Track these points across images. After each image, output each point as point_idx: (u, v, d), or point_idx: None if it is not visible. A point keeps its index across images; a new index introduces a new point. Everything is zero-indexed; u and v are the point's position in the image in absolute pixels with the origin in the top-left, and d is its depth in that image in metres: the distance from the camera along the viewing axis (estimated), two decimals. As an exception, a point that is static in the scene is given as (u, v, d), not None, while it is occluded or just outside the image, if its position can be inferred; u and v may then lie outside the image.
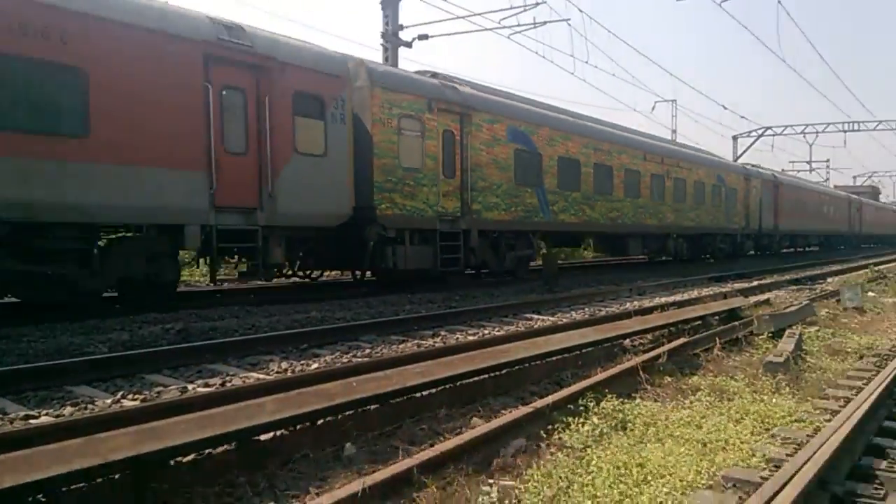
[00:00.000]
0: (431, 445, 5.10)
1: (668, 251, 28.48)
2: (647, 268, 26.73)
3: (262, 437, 5.11)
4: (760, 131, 45.42)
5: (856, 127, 44.53)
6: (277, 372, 7.95)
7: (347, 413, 5.61)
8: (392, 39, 24.36)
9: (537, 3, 23.18)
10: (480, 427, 5.43)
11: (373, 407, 5.82)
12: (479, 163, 17.39)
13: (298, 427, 5.35)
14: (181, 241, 11.72)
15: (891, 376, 7.11)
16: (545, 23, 23.74)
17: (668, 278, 20.28)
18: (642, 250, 27.12)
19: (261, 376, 7.58)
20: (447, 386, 6.53)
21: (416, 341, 9.96)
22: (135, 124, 10.76)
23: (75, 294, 10.86)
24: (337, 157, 13.87)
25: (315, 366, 8.21)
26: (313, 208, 13.50)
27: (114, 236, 12.21)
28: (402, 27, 24.69)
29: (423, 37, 25.21)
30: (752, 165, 37.60)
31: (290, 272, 15.69)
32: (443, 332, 10.73)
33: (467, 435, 5.19)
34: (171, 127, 11.21)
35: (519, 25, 23.92)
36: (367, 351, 9.17)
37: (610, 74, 47.05)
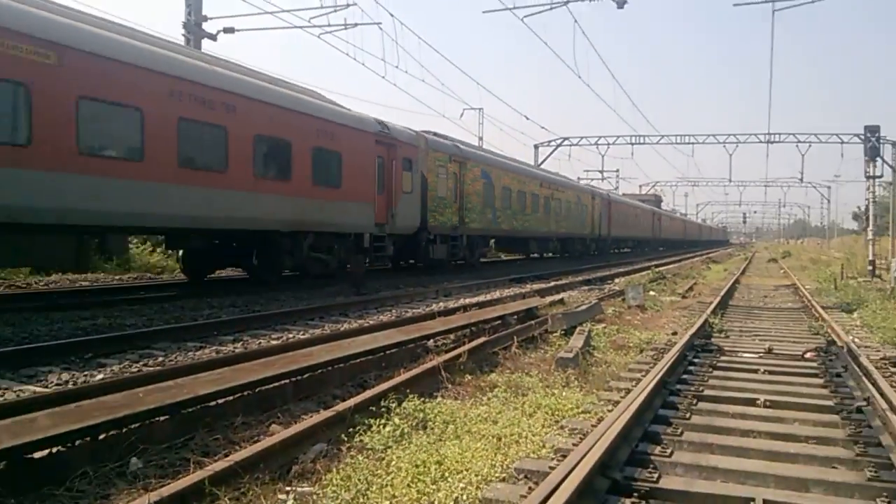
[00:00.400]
0: (226, 455, 4.88)
1: (550, 250, 39.02)
2: (530, 262, 36.29)
3: (36, 455, 4.65)
4: (559, 141, 48.09)
5: (642, 140, 48.33)
6: (57, 384, 7.31)
7: (133, 426, 5.24)
8: (195, 30, 23.33)
9: (348, 5, 23.12)
10: (279, 434, 5.28)
11: (162, 418, 5.48)
12: (468, 192, 26.02)
13: (78, 443, 4.91)
14: (362, 242, 19.55)
15: (665, 368, 7.76)
16: (356, 25, 23.72)
17: (542, 271, 25.89)
18: (537, 249, 36.91)
19: (38, 389, 6.94)
20: (245, 393, 6.29)
21: (215, 347, 9.55)
22: (354, 178, 18.91)
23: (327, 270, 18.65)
24: (416, 193, 22.30)
25: (100, 376, 7.64)
26: (407, 223, 21.78)
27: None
28: (206, 18, 23.72)
29: (230, 30, 24.42)
30: (592, 186, 48.31)
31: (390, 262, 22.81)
32: (245, 337, 10.38)
33: (264, 443, 5.02)
34: (364, 179, 19.40)
35: (329, 25, 23.74)
36: (160, 359, 8.66)
37: (420, 80, 47.91)
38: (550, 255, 39.86)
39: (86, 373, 7.82)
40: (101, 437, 5.05)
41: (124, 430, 5.18)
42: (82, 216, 11.94)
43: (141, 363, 8.44)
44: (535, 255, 38.20)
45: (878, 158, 31.27)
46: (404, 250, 23.26)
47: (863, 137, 31.48)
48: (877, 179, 32.81)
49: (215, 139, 14.33)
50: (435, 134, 24.85)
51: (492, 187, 28.10)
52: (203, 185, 14.05)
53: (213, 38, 23.89)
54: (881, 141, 31.27)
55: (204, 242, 16.51)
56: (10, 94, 10.85)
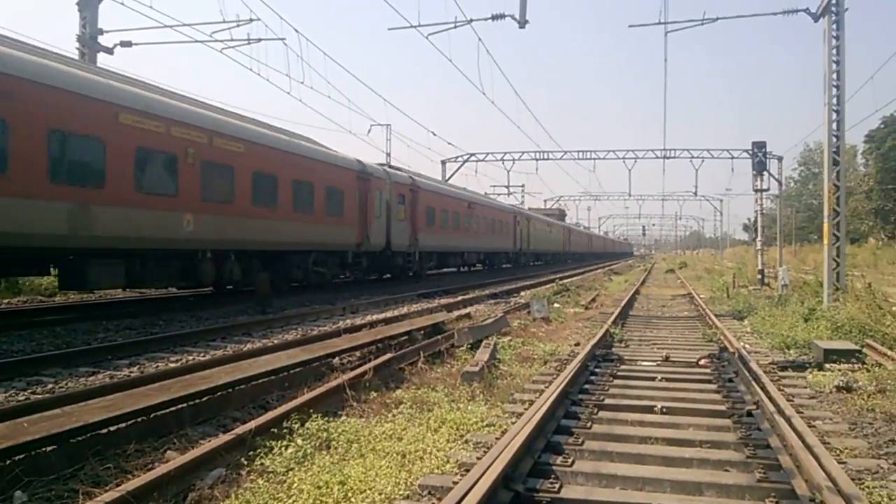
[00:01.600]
0: (118, 485, 4.66)
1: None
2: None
3: None
4: (466, 157, 48.49)
5: (546, 156, 49.28)
6: (-68, 417, 6.82)
7: (17, 457, 4.95)
8: (90, 43, 22.44)
9: (251, 20, 22.72)
10: (174, 460, 5.08)
11: (49, 448, 5.19)
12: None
13: (-47, 479, 4.61)
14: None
15: (567, 379, 7.91)
16: (259, 40, 23.29)
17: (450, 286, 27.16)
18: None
19: None
20: (139, 419, 6.04)
21: (109, 372, 9.14)
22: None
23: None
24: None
25: (-18, 407, 7.18)
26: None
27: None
28: (101, 31, 22.86)
29: (127, 43, 23.58)
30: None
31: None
32: (142, 361, 9.99)
33: (159, 470, 4.82)
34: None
35: (232, 40, 23.24)
36: (50, 386, 8.22)
37: (326, 96, 47.49)
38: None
39: (-34, 403, 7.35)
40: (-20, 471, 4.75)
41: (7, 462, 4.89)
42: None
43: (28, 391, 7.99)
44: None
45: (764, 172, 32.89)
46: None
47: (751, 153, 33.08)
48: (764, 192, 34.51)
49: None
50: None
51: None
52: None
53: (109, 51, 23.04)
54: (767, 156, 32.89)
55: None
56: None
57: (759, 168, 31.73)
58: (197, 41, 23.85)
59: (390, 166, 29.67)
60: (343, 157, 23.54)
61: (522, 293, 25.30)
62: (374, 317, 15.69)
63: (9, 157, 11.57)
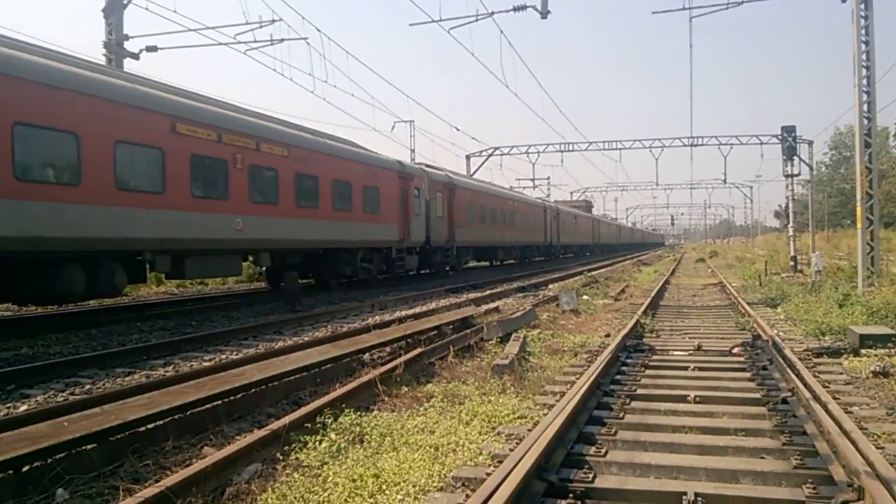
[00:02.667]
0: (157, 481, 4.74)
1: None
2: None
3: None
4: (490, 151, 48.35)
5: (571, 147, 48.92)
6: (-24, 420, 6.98)
7: (58, 455, 5.05)
8: (116, 50, 22.70)
9: (273, 21, 22.88)
10: (212, 456, 5.15)
11: (89, 446, 5.29)
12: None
13: (-1, 477, 4.71)
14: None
15: (598, 370, 7.89)
16: (282, 40, 23.43)
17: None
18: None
19: (-46, 426, 6.61)
20: (176, 416, 6.14)
21: (144, 372, 9.29)
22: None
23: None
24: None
25: (24, 408, 7.35)
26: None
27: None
28: (127, 37, 23.13)
29: (152, 48, 23.80)
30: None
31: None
32: (176, 360, 10.13)
33: (197, 466, 4.89)
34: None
35: (255, 42, 23.42)
36: (87, 387, 8.38)
37: (349, 94, 47.39)
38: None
39: (8, 405, 7.52)
40: (25, 469, 4.86)
41: (49, 460, 5.00)
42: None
43: (67, 392, 8.15)
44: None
45: (795, 157, 32.48)
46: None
47: (780, 138, 32.66)
48: (795, 178, 34.09)
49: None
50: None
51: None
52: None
53: (135, 57, 23.32)
54: (797, 140, 32.50)
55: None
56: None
57: (790, 153, 31.36)
58: (221, 44, 24.08)
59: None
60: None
61: (551, 286, 25.23)
62: (403, 313, 15.75)
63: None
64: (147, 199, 13.57)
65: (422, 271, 29.96)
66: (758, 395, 7.38)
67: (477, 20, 22.16)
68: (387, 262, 24.87)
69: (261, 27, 22.79)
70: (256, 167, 16.77)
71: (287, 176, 18.07)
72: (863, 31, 16.52)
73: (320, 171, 19.58)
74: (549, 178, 64.48)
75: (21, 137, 11.04)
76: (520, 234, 42.44)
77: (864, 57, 16.54)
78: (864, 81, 16.59)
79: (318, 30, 23.35)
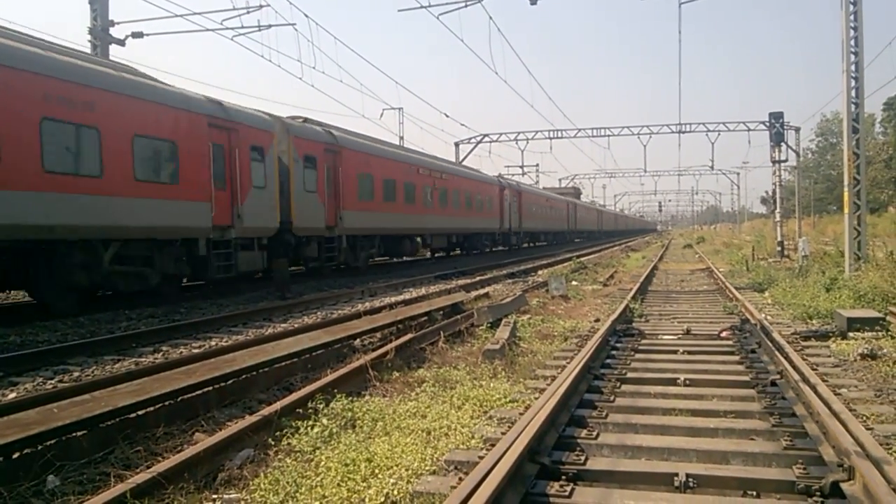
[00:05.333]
0: (148, 467, 4.72)
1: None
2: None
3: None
4: (479, 138, 48.23)
5: (559, 134, 48.89)
6: (-36, 407, 6.93)
7: (49, 442, 5.02)
8: (102, 36, 22.46)
9: (261, 6, 22.65)
10: (203, 442, 5.14)
11: (79, 433, 5.26)
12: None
13: (-13, 464, 4.68)
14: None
15: (588, 354, 7.91)
16: (270, 26, 23.21)
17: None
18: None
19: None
20: (166, 403, 6.11)
21: (134, 359, 9.25)
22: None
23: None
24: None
25: (13, 395, 7.30)
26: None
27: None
28: (113, 23, 22.88)
29: (138, 34, 23.54)
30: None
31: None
32: (165, 347, 10.10)
33: (188, 452, 4.87)
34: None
35: (242, 27, 23.18)
36: (76, 374, 8.33)
37: (338, 81, 47.09)
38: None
39: (-5, 393, 7.47)
40: (15, 455, 4.83)
41: (39, 447, 4.96)
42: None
43: (56, 379, 8.10)
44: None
45: (782, 144, 32.59)
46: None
47: (768, 124, 32.77)
48: (782, 164, 34.23)
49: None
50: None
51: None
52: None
53: (121, 43, 23.08)
54: (785, 127, 32.61)
55: None
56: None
57: (777, 139, 31.48)
58: (208, 30, 23.84)
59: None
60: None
61: (540, 272, 25.26)
62: (393, 299, 15.74)
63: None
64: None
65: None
66: (747, 378, 7.43)
67: (466, 6, 22.00)
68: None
69: (248, 13, 22.56)
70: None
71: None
72: (851, 17, 16.54)
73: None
74: (537, 165, 64.62)
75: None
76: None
77: (852, 43, 16.57)
78: (853, 67, 16.63)
79: (307, 15, 23.23)
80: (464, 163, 44.11)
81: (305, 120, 21.71)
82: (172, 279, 15.69)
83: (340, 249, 22.02)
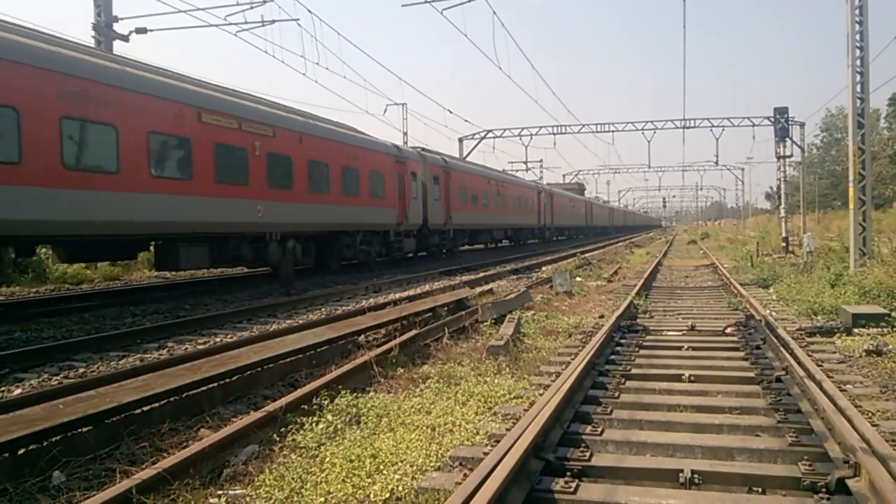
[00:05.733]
0: (154, 463, 4.73)
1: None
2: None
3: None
4: (483, 134, 48.11)
5: (563, 130, 48.70)
6: (-31, 403, 6.95)
7: (54, 438, 5.04)
8: (105, 32, 22.47)
9: (265, 1, 22.64)
10: (208, 438, 5.14)
11: (85, 429, 5.28)
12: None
13: (-7, 460, 4.70)
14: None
15: (593, 350, 7.90)
16: (273, 21, 23.22)
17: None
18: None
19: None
20: (171, 399, 6.12)
21: (139, 355, 9.27)
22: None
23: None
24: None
25: (18, 391, 7.32)
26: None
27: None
28: (116, 19, 22.89)
29: (142, 30, 23.56)
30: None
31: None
32: (170, 344, 10.12)
33: (193, 448, 4.88)
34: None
35: (246, 23, 23.18)
36: (82, 370, 8.35)
37: (341, 76, 46.87)
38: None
39: (3, 388, 7.49)
40: (21, 452, 4.84)
41: (45, 443, 4.98)
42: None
43: (61, 375, 8.13)
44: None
45: (787, 139, 32.49)
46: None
47: (773, 119, 32.66)
48: (787, 159, 34.10)
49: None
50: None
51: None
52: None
53: (125, 39, 23.08)
54: (790, 122, 32.48)
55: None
56: None
57: (782, 134, 31.37)
58: (211, 25, 23.83)
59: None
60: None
61: (544, 268, 25.24)
62: (397, 295, 15.74)
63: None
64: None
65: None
66: (752, 374, 7.42)
67: (470, 1, 21.96)
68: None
69: (252, 8, 22.58)
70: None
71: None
72: (857, 11, 16.47)
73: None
74: (541, 161, 64.45)
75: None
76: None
77: (857, 37, 16.51)
78: (858, 62, 16.56)
79: (310, 11, 23.18)
80: (468, 158, 44.11)
81: (423, 149, 30.34)
82: (377, 256, 24.79)
83: (450, 238, 31.49)
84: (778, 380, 6.99)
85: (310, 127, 19.58)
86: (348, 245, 22.19)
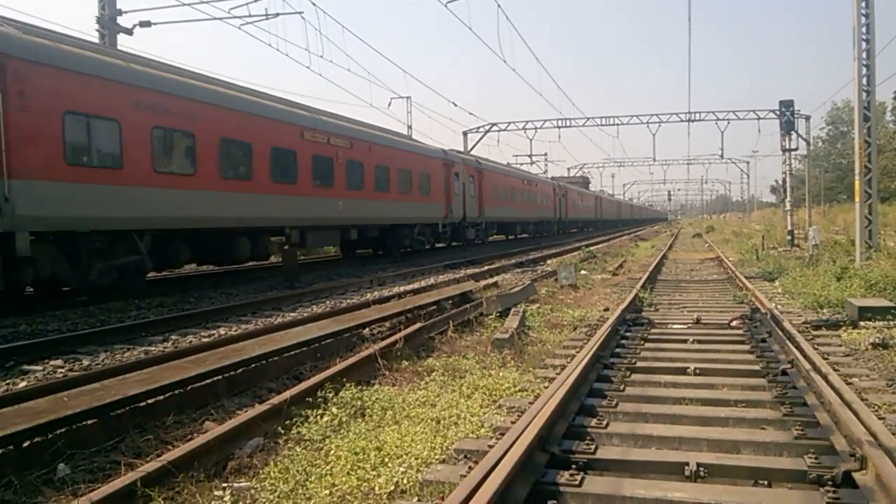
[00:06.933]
0: (158, 456, 4.73)
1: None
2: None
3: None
4: (487, 127, 47.99)
5: (568, 123, 48.55)
6: (-25, 395, 6.97)
7: (59, 431, 5.04)
8: (109, 25, 22.45)
9: (268, -5, 22.64)
10: (213, 430, 5.15)
11: (89, 421, 5.28)
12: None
13: (-1, 452, 4.70)
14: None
15: (598, 343, 7.88)
16: (277, 15, 23.17)
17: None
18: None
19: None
20: (176, 391, 6.12)
21: (143, 348, 9.28)
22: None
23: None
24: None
25: (24, 384, 7.34)
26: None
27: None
28: (120, 12, 22.87)
29: (146, 24, 23.50)
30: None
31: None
32: (175, 337, 10.13)
33: (198, 440, 4.88)
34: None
35: (250, 16, 23.14)
36: (86, 363, 8.37)
37: (345, 70, 46.50)
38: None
39: (7, 381, 7.51)
40: (26, 444, 4.85)
41: (49, 435, 4.98)
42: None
43: (66, 368, 8.14)
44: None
45: (792, 132, 32.37)
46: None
47: (778, 112, 32.56)
48: (792, 152, 34.00)
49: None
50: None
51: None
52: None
53: (129, 32, 23.06)
54: (795, 115, 32.37)
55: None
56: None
57: (787, 127, 31.27)
58: (215, 18, 23.80)
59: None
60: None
61: (549, 262, 25.23)
62: (402, 288, 15.74)
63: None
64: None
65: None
66: (757, 367, 7.39)
67: (474, -6, 21.94)
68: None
69: (256, 1, 22.55)
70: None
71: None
72: (863, 4, 16.38)
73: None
74: (546, 154, 64.45)
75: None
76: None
77: (863, 30, 16.41)
78: (864, 55, 16.48)
79: (314, 3, 23.07)
80: (474, 152, 44.08)
81: (459, 152, 35.35)
82: (428, 245, 29.71)
83: (484, 230, 35.64)
84: (784, 373, 6.96)
85: (378, 137, 24.26)
86: (407, 235, 27.02)
